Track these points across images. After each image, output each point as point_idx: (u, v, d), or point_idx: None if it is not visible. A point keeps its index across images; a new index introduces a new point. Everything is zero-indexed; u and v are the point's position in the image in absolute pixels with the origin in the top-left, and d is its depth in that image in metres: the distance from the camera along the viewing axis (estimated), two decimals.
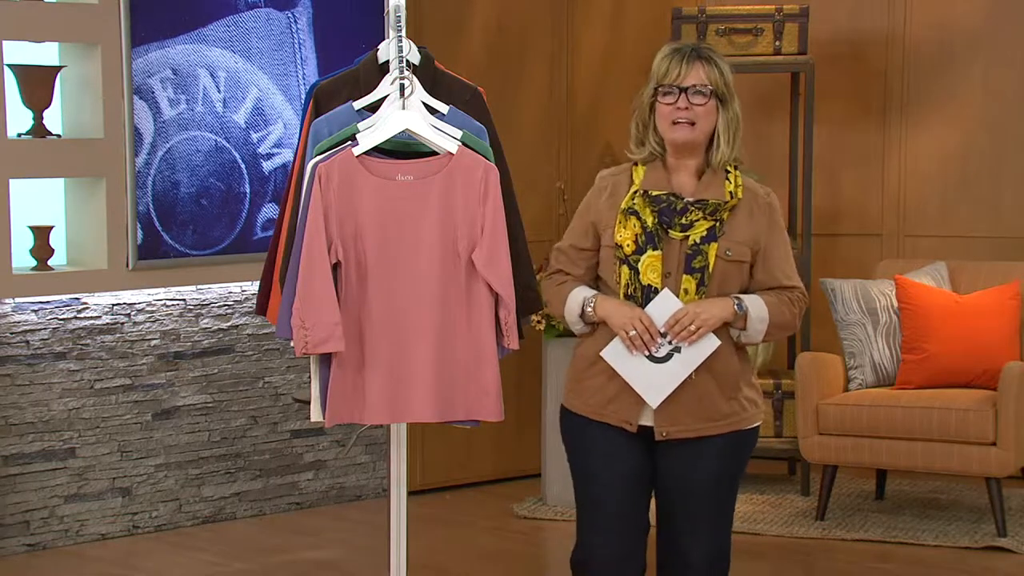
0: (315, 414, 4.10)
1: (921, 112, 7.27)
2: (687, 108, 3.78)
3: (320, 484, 6.73)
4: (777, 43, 6.77)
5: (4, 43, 5.80)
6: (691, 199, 3.81)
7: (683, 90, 3.79)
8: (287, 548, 6.09)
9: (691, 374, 3.78)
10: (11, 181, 5.82)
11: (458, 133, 4.08)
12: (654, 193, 3.82)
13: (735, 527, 6.16)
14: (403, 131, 4.04)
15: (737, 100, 3.86)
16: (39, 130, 5.91)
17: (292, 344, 4.02)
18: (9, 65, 5.82)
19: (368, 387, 4.03)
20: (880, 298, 6.45)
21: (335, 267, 4.00)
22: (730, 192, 3.83)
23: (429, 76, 4.19)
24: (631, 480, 3.88)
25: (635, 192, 3.84)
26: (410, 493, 4.69)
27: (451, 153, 4.04)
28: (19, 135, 5.89)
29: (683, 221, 3.79)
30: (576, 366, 3.94)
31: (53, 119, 6.01)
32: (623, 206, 3.83)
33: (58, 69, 5.95)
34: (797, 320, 3.89)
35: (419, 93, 4.08)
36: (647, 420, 3.84)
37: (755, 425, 3.92)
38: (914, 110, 7.28)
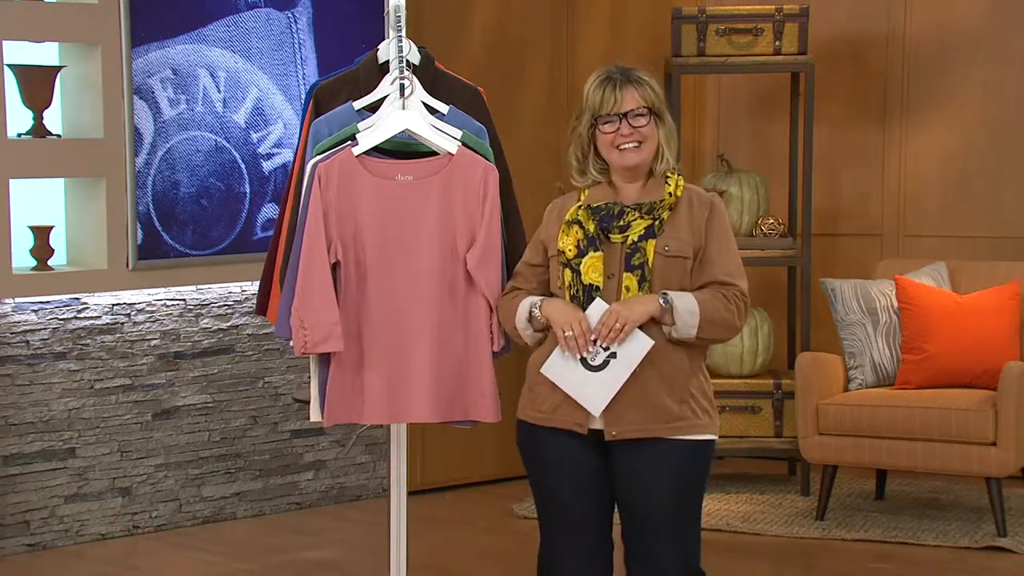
0: (314, 414, 4.10)
1: (921, 112, 7.27)
2: (631, 133, 3.82)
3: (320, 484, 6.73)
4: (777, 43, 6.77)
5: (4, 43, 5.80)
6: (631, 204, 3.84)
7: (623, 116, 3.82)
8: (287, 548, 6.09)
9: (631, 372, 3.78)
10: (11, 181, 5.82)
11: (458, 133, 4.08)
12: (595, 204, 3.86)
13: (735, 527, 6.24)
14: (403, 131, 4.05)
15: (668, 112, 3.90)
16: (39, 130, 5.91)
17: (291, 344, 4.02)
18: (9, 65, 5.82)
19: (367, 387, 4.03)
20: (880, 298, 6.45)
21: (334, 267, 4.00)
22: (669, 192, 3.85)
23: (429, 76, 4.19)
24: (588, 483, 3.88)
25: (579, 206, 3.88)
26: (410, 493, 4.69)
27: (451, 153, 4.04)
28: (19, 135, 5.89)
29: (621, 223, 3.81)
30: (529, 375, 3.95)
31: (53, 119, 6.01)
32: (567, 218, 3.88)
33: (58, 69, 5.95)
34: (737, 319, 3.83)
35: (419, 93, 4.09)
36: (597, 423, 3.83)
37: (709, 437, 3.87)
38: (914, 110, 7.28)
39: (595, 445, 3.85)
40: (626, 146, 3.83)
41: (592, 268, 3.81)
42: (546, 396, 3.87)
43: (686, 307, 3.77)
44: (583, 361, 3.78)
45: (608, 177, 3.90)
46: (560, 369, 3.81)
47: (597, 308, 3.78)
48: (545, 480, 3.93)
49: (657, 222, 3.81)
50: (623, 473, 3.85)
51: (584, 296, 3.81)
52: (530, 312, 3.89)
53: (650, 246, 3.79)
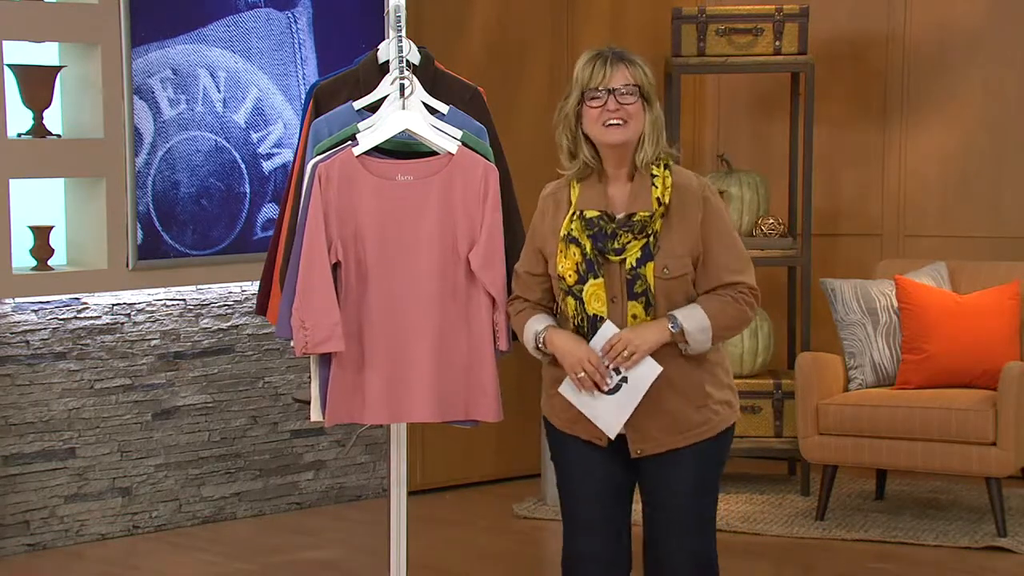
0: (315, 414, 4.11)
1: (921, 112, 7.27)
2: (617, 109, 3.75)
3: (320, 484, 6.73)
4: (777, 43, 6.77)
5: (4, 43, 5.80)
6: (622, 216, 3.77)
7: (611, 92, 3.75)
8: (287, 548, 6.09)
9: (646, 392, 3.77)
10: (11, 181, 5.83)
11: (458, 133, 4.08)
12: (588, 216, 3.79)
13: (735, 527, 6.24)
14: (403, 131, 4.05)
15: (658, 102, 3.82)
16: (39, 130, 5.91)
17: (292, 344, 4.02)
18: (9, 65, 5.83)
19: (368, 387, 4.03)
20: (880, 298, 6.45)
21: (335, 267, 4.00)
22: (657, 199, 3.76)
23: (429, 76, 4.19)
24: (609, 489, 3.89)
25: (572, 215, 3.81)
26: (410, 493, 4.69)
27: (451, 153, 4.04)
28: (19, 135, 5.89)
29: (615, 245, 3.76)
30: (545, 383, 3.95)
31: (53, 119, 6.01)
32: (562, 232, 3.82)
33: (58, 69, 5.95)
34: (750, 313, 3.83)
35: (419, 93, 4.09)
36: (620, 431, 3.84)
37: (728, 427, 3.89)
38: (914, 110, 7.28)
39: (617, 452, 3.86)
40: (611, 123, 3.76)
41: (594, 296, 3.77)
42: (564, 408, 3.87)
43: (696, 326, 3.75)
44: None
45: (599, 165, 3.83)
46: (575, 391, 3.82)
47: (606, 332, 3.76)
48: (567, 479, 3.94)
49: (651, 238, 3.76)
50: (647, 478, 3.87)
51: (589, 326, 3.79)
52: (536, 345, 3.87)
53: (649, 271, 3.74)
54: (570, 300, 3.80)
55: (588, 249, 3.77)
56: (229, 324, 6.45)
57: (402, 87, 4.05)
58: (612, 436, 3.81)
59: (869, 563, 5.84)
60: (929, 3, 7.23)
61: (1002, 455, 6.00)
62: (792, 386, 6.54)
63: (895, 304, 6.42)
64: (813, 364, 6.34)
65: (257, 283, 4.46)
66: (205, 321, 6.39)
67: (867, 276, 6.78)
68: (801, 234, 6.81)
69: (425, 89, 4.11)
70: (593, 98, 3.76)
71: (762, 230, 6.84)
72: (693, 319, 3.76)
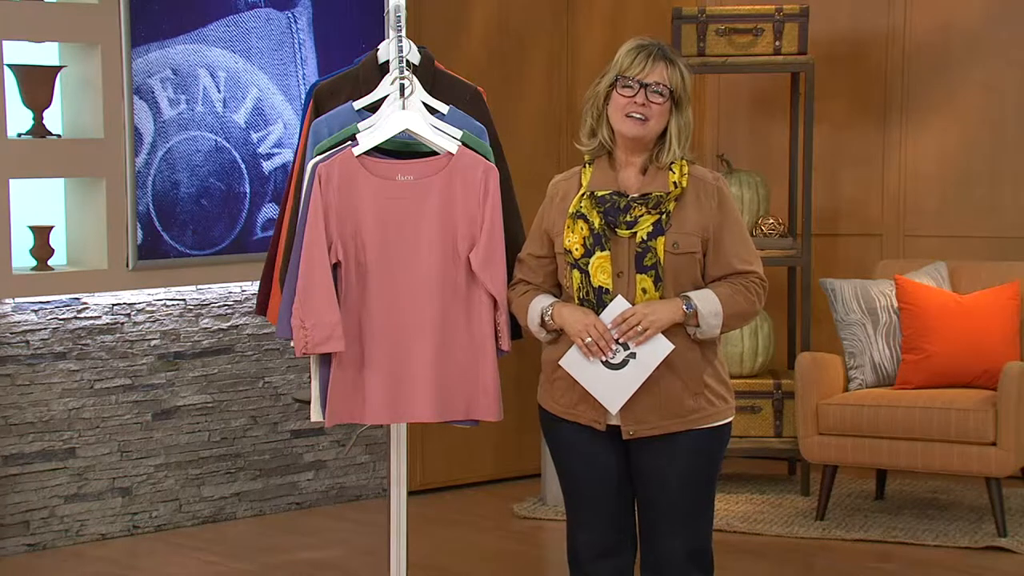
0: (315, 414, 4.10)
1: (921, 112, 7.27)
2: (644, 104, 3.79)
3: (320, 484, 6.74)
4: (777, 43, 6.77)
5: (4, 43, 5.80)
6: (635, 195, 3.81)
7: (644, 85, 3.80)
8: (287, 548, 6.09)
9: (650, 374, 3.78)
10: (11, 181, 5.83)
11: (458, 133, 4.08)
12: (599, 193, 3.83)
13: (735, 527, 6.24)
14: (403, 131, 4.05)
15: (691, 108, 3.86)
16: (39, 130, 5.91)
17: (292, 344, 4.02)
18: (9, 65, 5.83)
19: (368, 387, 4.03)
20: (880, 298, 6.45)
21: (335, 267, 4.00)
22: (674, 182, 3.81)
23: (429, 76, 4.19)
24: (608, 477, 3.89)
25: (582, 195, 3.85)
26: (410, 493, 4.70)
27: (451, 153, 4.04)
28: (19, 135, 5.89)
29: (628, 218, 3.79)
30: (545, 369, 3.96)
31: (53, 119, 6.02)
32: (571, 210, 3.85)
33: (58, 69, 5.95)
34: (758, 305, 3.86)
35: (419, 93, 4.09)
36: (615, 420, 3.85)
37: (725, 421, 3.90)
38: (914, 110, 7.28)
39: (614, 439, 3.87)
40: (634, 115, 3.80)
41: (600, 269, 3.79)
42: (564, 391, 3.88)
43: (710, 310, 3.78)
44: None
45: (612, 150, 3.86)
46: (579, 364, 3.81)
47: (618, 305, 3.76)
48: (566, 468, 3.96)
49: (664, 216, 3.79)
50: (640, 466, 3.87)
51: (595, 298, 3.80)
52: (542, 318, 3.88)
53: (660, 244, 3.77)
54: (575, 274, 3.82)
55: (596, 224, 3.80)
56: (229, 324, 6.45)
57: (402, 87, 4.05)
58: (614, 412, 3.81)
59: (869, 563, 5.84)
60: (929, 3, 7.23)
61: (1002, 455, 6.00)
62: (792, 386, 6.54)
63: (895, 304, 6.42)
64: (813, 364, 6.34)
65: (257, 283, 4.46)
66: (205, 321, 6.39)
67: (867, 276, 6.78)
68: (801, 234, 6.81)
69: (425, 89, 4.11)
70: (625, 86, 3.81)
71: (762, 230, 6.84)
72: (707, 302, 3.79)
